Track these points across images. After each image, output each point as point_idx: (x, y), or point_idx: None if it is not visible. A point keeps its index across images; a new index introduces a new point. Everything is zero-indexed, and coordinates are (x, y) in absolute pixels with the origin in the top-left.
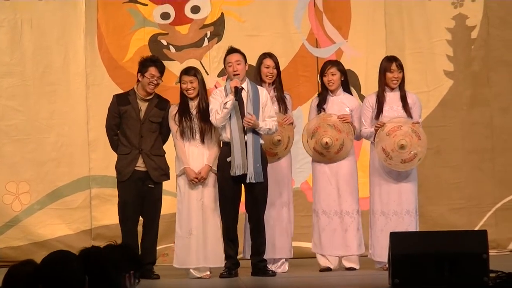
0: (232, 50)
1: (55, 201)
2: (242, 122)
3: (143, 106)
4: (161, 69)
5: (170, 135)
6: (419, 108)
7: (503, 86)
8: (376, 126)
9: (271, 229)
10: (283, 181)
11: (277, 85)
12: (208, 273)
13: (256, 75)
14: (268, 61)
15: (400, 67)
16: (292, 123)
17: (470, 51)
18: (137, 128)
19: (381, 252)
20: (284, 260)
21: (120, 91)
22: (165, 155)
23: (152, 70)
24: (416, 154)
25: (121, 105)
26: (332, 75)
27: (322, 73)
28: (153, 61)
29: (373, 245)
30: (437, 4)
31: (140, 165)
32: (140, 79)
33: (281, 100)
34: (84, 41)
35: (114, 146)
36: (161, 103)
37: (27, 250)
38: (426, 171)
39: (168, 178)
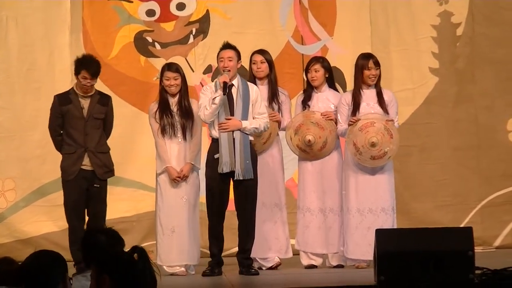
0: (226, 46)
1: (40, 198)
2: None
3: (85, 103)
4: (93, 71)
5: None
6: (395, 106)
7: (488, 83)
8: (350, 122)
9: (267, 228)
10: (276, 180)
11: (269, 80)
12: (183, 269)
13: (249, 74)
14: (255, 57)
15: (377, 64)
16: (278, 122)
17: (455, 48)
18: (81, 126)
19: (354, 249)
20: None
21: (106, 88)
22: (110, 151)
23: (84, 73)
24: (386, 152)
25: (63, 104)
26: (316, 71)
27: (307, 70)
28: (84, 63)
29: (346, 242)
30: (422, 1)
31: (86, 164)
32: (76, 79)
33: (272, 95)
34: (70, 39)
35: (58, 146)
36: (103, 99)
37: (12, 247)
38: (411, 168)
39: (113, 175)
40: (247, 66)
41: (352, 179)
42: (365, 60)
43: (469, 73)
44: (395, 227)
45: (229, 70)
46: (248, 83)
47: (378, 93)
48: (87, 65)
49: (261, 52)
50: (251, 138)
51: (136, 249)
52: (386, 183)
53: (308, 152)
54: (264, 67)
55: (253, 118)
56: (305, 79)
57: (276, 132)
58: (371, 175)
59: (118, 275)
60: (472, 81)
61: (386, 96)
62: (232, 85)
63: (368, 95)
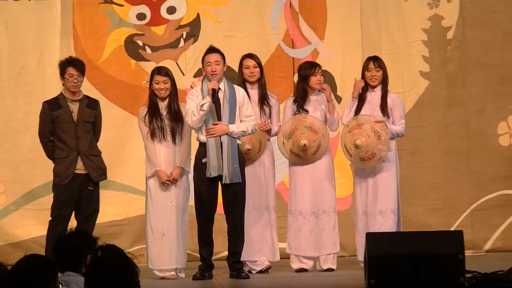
0: (212, 50)
1: (30, 202)
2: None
3: (74, 108)
4: (80, 68)
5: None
6: (399, 108)
7: (479, 87)
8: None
9: (256, 232)
10: (266, 183)
11: (260, 84)
12: (174, 273)
13: (239, 77)
14: (247, 62)
15: (378, 66)
16: (268, 131)
17: (446, 52)
18: (72, 130)
19: (361, 252)
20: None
21: (96, 92)
22: (101, 155)
23: (70, 70)
24: (374, 154)
25: (53, 110)
26: (321, 75)
27: (308, 74)
28: (69, 61)
29: (356, 245)
30: (413, 5)
31: (80, 168)
32: (62, 82)
33: (262, 99)
34: (60, 42)
35: (49, 152)
36: (91, 103)
37: (2, 251)
38: (402, 172)
39: (106, 178)
40: (237, 70)
41: (358, 181)
42: (367, 62)
43: (460, 76)
44: (396, 230)
45: (216, 74)
46: (235, 86)
47: (382, 96)
48: (72, 62)
49: (252, 56)
50: (238, 141)
51: (100, 247)
52: (385, 186)
53: (301, 156)
54: (257, 71)
55: (240, 121)
56: (297, 82)
57: (266, 139)
58: (371, 178)
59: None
60: (463, 84)
61: (390, 99)
62: (219, 89)
63: (373, 97)
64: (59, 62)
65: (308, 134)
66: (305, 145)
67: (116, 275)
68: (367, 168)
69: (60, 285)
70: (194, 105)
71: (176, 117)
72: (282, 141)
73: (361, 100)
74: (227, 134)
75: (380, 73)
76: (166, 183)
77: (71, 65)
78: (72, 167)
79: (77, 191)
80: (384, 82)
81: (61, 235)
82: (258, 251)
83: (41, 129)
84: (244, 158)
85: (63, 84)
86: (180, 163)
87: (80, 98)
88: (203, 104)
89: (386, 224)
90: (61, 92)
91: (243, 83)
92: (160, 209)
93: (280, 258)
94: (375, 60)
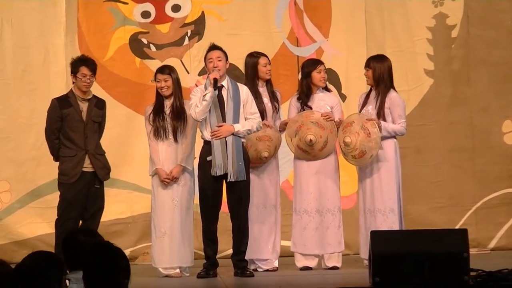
0: (213, 47)
1: (35, 200)
2: (224, 120)
3: (84, 107)
4: (92, 68)
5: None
6: (398, 107)
7: (483, 85)
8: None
9: (264, 230)
10: (272, 182)
11: (270, 81)
12: (178, 271)
13: (252, 75)
14: (264, 60)
15: (367, 65)
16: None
17: (450, 50)
18: (81, 129)
19: (363, 249)
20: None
21: (101, 90)
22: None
23: (83, 70)
24: (364, 152)
25: (63, 108)
26: (324, 72)
27: (311, 70)
28: (82, 60)
29: (359, 243)
30: (418, 3)
31: (87, 166)
32: (74, 80)
33: (272, 95)
34: (65, 40)
35: (55, 150)
36: (99, 103)
37: (7, 249)
38: (406, 170)
39: (109, 177)
40: (242, 67)
41: (360, 180)
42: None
43: (464, 75)
44: (397, 229)
45: (219, 70)
46: (238, 83)
47: (377, 95)
48: (86, 62)
49: (265, 55)
50: (243, 140)
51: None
52: (384, 185)
53: (309, 152)
54: (271, 69)
55: (245, 119)
56: (302, 80)
57: (280, 142)
58: (371, 177)
59: None
60: (467, 83)
61: (388, 98)
62: (222, 86)
63: (372, 97)
64: (71, 60)
65: (315, 129)
66: (311, 140)
67: (105, 272)
68: (362, 166)
69: (68, 281)
70: (197, 99)
71: (178, 115)
72: (290, 137)
73: (365, 100)
74: (232, 134)
75: (370, 73)
76: (165, 181)
77: (85, 65)
78: (79, 166)
79: (84, 189)
80: (377, 82)
81: (69, 233)
82: (267, 250)
83: (48, 126)
84: (248, 156)
85: (74, 83)
86: (180, 161)
87: (89, 97)
88: (206, 94)
89: (385, 223)
90: (71, 90)
91: (254, 80)
92: (161, 207)
93: (282, 256)
94: (370, 59)
